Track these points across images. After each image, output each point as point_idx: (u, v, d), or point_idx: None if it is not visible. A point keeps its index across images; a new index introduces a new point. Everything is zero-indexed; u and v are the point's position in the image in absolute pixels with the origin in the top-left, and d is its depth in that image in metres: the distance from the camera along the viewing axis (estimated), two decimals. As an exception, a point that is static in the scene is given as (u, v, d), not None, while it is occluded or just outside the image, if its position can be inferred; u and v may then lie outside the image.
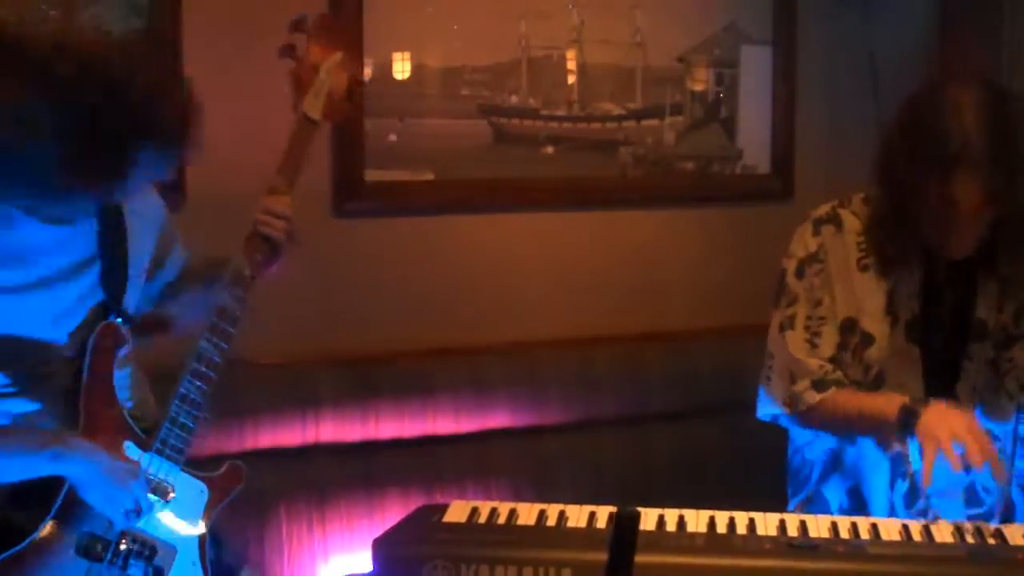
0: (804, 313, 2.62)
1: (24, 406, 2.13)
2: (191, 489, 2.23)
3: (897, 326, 2.58)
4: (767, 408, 2.69)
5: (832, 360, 2.60)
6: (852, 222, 2.63)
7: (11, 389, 2.11)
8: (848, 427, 2.60)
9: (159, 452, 2.19)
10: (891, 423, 2.49)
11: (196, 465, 2.27)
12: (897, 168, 2.47)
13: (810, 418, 2.62)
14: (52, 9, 2.84)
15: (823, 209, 2.67)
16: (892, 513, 2.59)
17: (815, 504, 2.71)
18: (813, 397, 2.58)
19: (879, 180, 2.54)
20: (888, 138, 2.54)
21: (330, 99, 2.37)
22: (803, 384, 2.59)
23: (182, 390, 2.20)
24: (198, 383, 2.21)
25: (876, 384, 2.59)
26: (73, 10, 2.84)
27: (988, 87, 2.49)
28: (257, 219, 2.32)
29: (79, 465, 2.08)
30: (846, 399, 2.57)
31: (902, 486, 2.59)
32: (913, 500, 2.58)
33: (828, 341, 2.60)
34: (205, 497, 2.25)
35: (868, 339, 2.59)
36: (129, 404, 2.22)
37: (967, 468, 2.41)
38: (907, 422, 2.46)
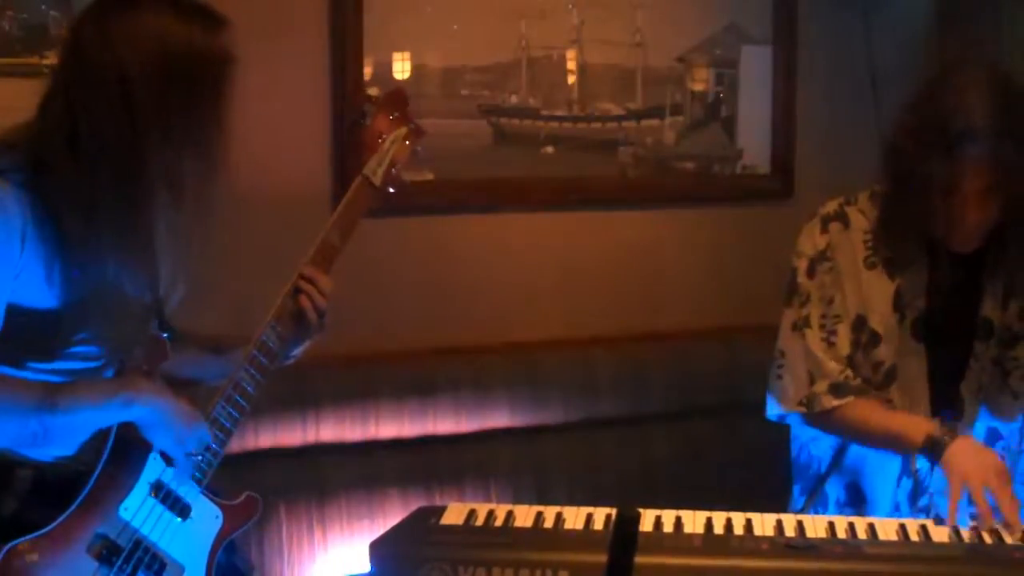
0: (818, 312, 2.62)
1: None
2: (208, 513, 2.22)
3: (903, 324, 2.58)
4: (775, 408, 2.68)
5: (848, 359, 2.60)
6: (859, 220, 2.63)
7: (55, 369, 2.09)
8: (864, 439, 2.60)
9: None
10: (914, 447, 2.49)
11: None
12: (904, 152, 2.46)
13: (824, 421, 2.62)
14: (52, 9, 2.85)
15: (830, 206, 2.68)
16: (896, 510, 2.60)
17: (818, 500, 2.71)
18: (830, 401, 2.58)
19: (885, 171, 2.54)
20: (895, 124, 2.54)
21: (391, 168, 2.44)
22: (821, 386, 2.60)
23: (214, 413, 2.19)
24: (230, 410, 2.20)
25: (886, 382, 2.60)
26: (73, 10, 2.84)
27: (992, 69, 2.50)
28: (300, 285, 2.29)
29: (149, 407, 2.07)
30: (869, 413, 2.57)
31: (907, 483, 2.59)
32: (917, 497, 2.58)
33: (844, 339, 2.60)
34: (219, 524, 2.24)
35: (875, 337, 2.60)
36: None
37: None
38: (933, 452, 2.46)
